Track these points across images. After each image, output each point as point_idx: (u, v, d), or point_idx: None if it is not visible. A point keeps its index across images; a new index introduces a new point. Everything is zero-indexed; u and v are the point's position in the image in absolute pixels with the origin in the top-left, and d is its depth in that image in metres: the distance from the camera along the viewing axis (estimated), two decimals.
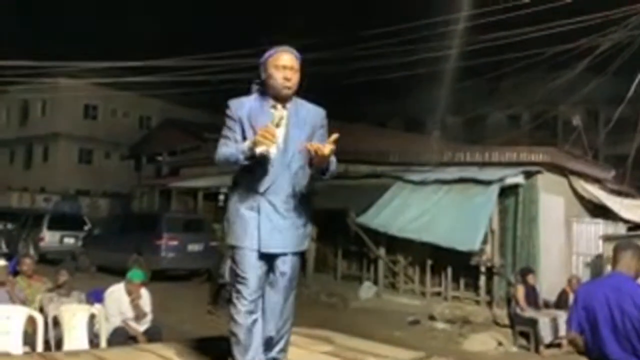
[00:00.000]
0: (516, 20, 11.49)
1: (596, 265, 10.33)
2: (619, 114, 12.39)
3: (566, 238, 11.09)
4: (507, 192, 10.37)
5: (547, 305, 9.21)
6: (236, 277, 2.85)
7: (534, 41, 11.84)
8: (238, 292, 2.82)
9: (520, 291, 8.94)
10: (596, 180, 12.37)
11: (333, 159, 2.82)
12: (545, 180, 10.53)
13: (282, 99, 2.89)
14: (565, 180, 11.40)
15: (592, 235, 10.87)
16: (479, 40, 12.18)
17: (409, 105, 28.35)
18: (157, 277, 12.45)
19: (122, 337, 5.68)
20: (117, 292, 6.02)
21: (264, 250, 2.79)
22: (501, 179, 10.19)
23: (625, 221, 11.21)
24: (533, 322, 8.49)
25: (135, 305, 5.97)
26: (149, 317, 6.09)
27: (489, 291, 10.35)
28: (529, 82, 19.24)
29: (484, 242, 10.12)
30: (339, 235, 12.69)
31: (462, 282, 10.78)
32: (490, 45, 12.05)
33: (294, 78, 2.87)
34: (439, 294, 11.00)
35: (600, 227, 10.98)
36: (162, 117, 29.88)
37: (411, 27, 12.23)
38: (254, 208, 2.82)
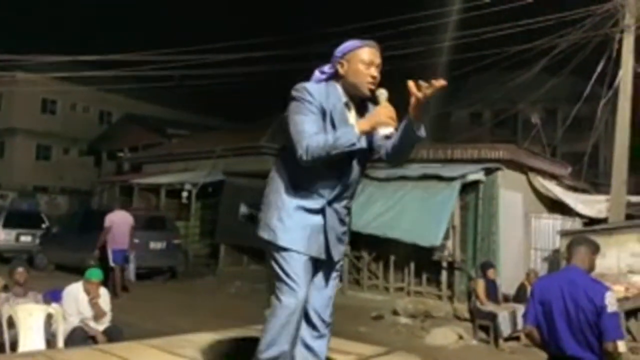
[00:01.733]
0: (479, 20, 11.70)
1: (553, 259, 10.61)
2: (576, 113, 12.73)
3: (525, 233, 11.35)
4: (468, 188, 10.55)
5: (506, 299, 9.41)
6: (284, 282, 2.50)
7: (495, 40, 12.08)
8: (288, 297, 2.48)
9: (481, 285, 9.11)
10: (554, 177, 12.70)
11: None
12: (505, 176, 10.75)
13: (356, 99, 2.60)
14: (524, 177, 11.67)
15: (549, 230, 11.16)
16: (443, 38, 12.35)
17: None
18: None
19: (80, 337, 5.56)
20: (75, 292, 5.88)
21: (328, 258, 2.58)
22: (463, 176, 10.36)
23: (581, 216, 11.54)
24: (492, 316, 8.67)
25: (94, 305, 5.85)
26: (108, 317, 5.98)
27: (450, 286, 10.52)
28: (490, 81, 19.60)
29: (446, 237, 10.27)
30: None
31: (424, 277, 10.93)
32: (455, 44, 12.24)
33: (378, 78, 2.58)
34: (401, 289, 11.13)
35: (558, 222, 11.29)
36: (123, 112, 29.33)
37: (377, 25, 12.32)
38: (318, 213, 2.54)
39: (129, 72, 14.56)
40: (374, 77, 2.55)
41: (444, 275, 10.58)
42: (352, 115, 2.58)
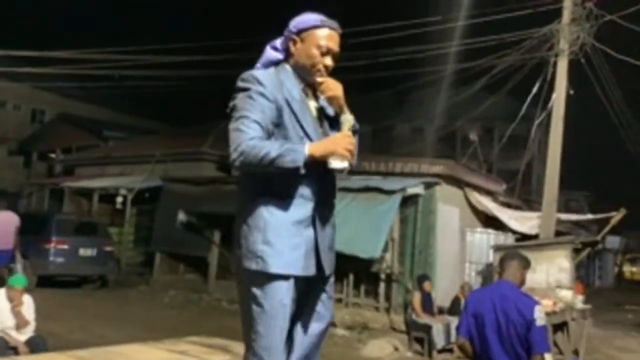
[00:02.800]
0: (423, 38, 11.98)
1: (487, 273, 10.92)
2: (512, 132, 13.22)
3: (460, 247, 11.64)
4: (408, 201, 10.72)
5: (441, 311, 9.59)
6: (267, 315, 2.09)
7: (439, 58, 12.39)
8: (272, 330, 2.09)
9: (417, 298, 9.25)
10: (489, 193, 13.10)
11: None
12: (443, 191, 11.00)
13: (309, 83, 2.25)
14: (461, 192, 11.98)
15: (483, 244, 11.49)
16: (387, 53, 12.55)
17: None
18: (45, 283, 11.72)
19: (0, 347, 5.24)
20: None
21: (327, 274, 2.21)
22: (403, 189, 10.51)
23: (514, 232, 11.95)
24: (427, 328, 8.80)
25: (17, 313, 5.54)
26: (32, 326, 5.67)
27: (387, 298, 10.62)
28: (432, 97, 20.12)
29: (385, 249, 10.38)
30: None
31: (362, 289, 10.99)
32: (399, 59, 12.46)
33: (331, 68, 2.25)
34: (340, 300, 11.14)
35: (491, 237, 11.64)
36: (57, 111, 28.16)
37: None
38: (307, 221, 2.14)
39: (65, 70, 13.99)
40: (327, 67, 2.22)
41: (381, 287, 10.67)
42: (312, 103, 2.25)
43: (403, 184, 10.63)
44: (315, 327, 2.24)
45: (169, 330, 7.53)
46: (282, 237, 2.09)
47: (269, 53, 2.28)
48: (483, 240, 11.58)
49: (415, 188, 10.61)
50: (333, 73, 2.29)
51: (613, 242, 27.85)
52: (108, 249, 13.28)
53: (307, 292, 2.20)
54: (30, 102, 30.83)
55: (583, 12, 10.26)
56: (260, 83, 2.12)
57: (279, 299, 2.08)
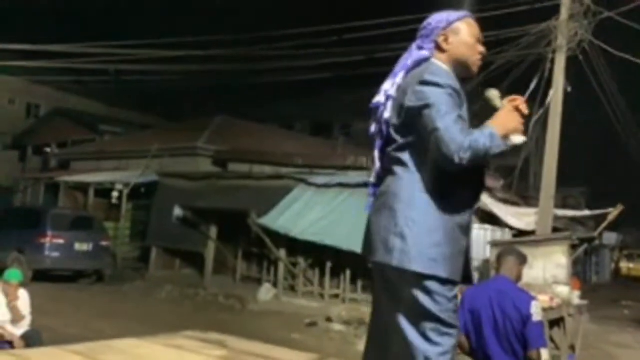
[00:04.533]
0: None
1: (484, 269, 10.92)
2: None
3: None
4: None
5: None
6: (443, 323, 2.07)
7: None
8: (448, 340, 2.10)
9: None
10: (486, 189, 13.12)
11: None
12: None
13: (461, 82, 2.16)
14: None
15: (481, 240, 11.48)
16: (392, 48, 12.50)
17: (316, 109, 28.66)
18: (41, 277, 11.70)
19: None
20: None
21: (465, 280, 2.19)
22: None
23: (511, 228, 11.96)
24: None
25: (13, 307, 5.52)
26: (28, 320, 5.65)
27: None
28: None
29: None
30: (239, 236, 12.53)
31: (359, 284, 10.99)
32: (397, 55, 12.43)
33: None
34: (337, 296, 11.15)
35: (489, 233, 11.65)
36: (52, 105, 28.06)
37: (320, 32, 12.33)
38: (467, 230, 2.11)
39: (61, 64, 13.92)
40: (483, 55, 2.20)
41: None
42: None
43: None
44: None
45: (165, 325, 7.51)
46: (451, 243, 2.04)
47: (416, 53, 2.21)
48: (480, 236, 11.58)
49: None
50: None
51: (610, 238, 27.87)
52: (104, 243, 13.26)
53: None
54: (25, 96, 30.70)
55: (581, 8, 10.24)
56: (452, 79, 2.07)
57: (452, 298, 2.09)
